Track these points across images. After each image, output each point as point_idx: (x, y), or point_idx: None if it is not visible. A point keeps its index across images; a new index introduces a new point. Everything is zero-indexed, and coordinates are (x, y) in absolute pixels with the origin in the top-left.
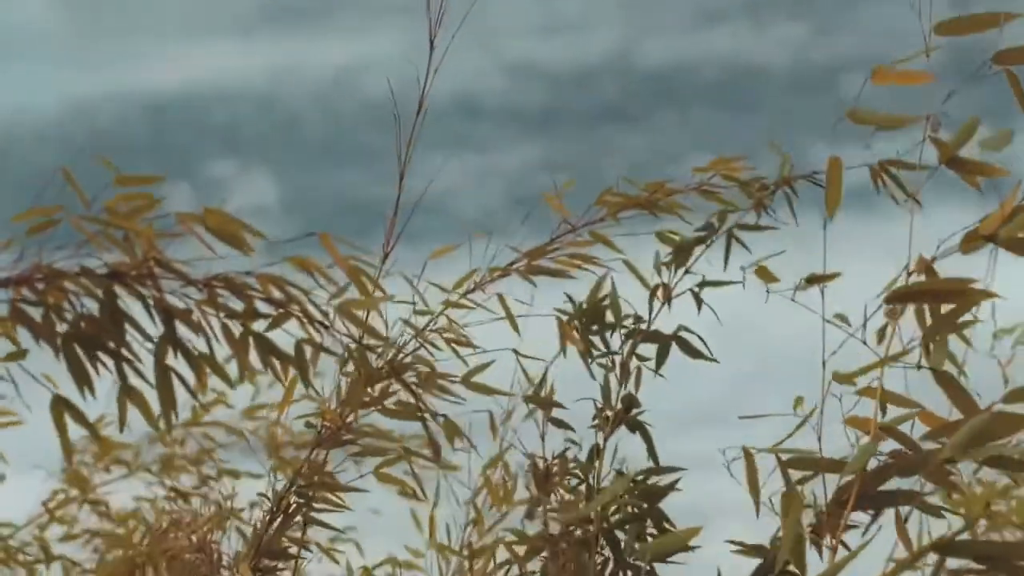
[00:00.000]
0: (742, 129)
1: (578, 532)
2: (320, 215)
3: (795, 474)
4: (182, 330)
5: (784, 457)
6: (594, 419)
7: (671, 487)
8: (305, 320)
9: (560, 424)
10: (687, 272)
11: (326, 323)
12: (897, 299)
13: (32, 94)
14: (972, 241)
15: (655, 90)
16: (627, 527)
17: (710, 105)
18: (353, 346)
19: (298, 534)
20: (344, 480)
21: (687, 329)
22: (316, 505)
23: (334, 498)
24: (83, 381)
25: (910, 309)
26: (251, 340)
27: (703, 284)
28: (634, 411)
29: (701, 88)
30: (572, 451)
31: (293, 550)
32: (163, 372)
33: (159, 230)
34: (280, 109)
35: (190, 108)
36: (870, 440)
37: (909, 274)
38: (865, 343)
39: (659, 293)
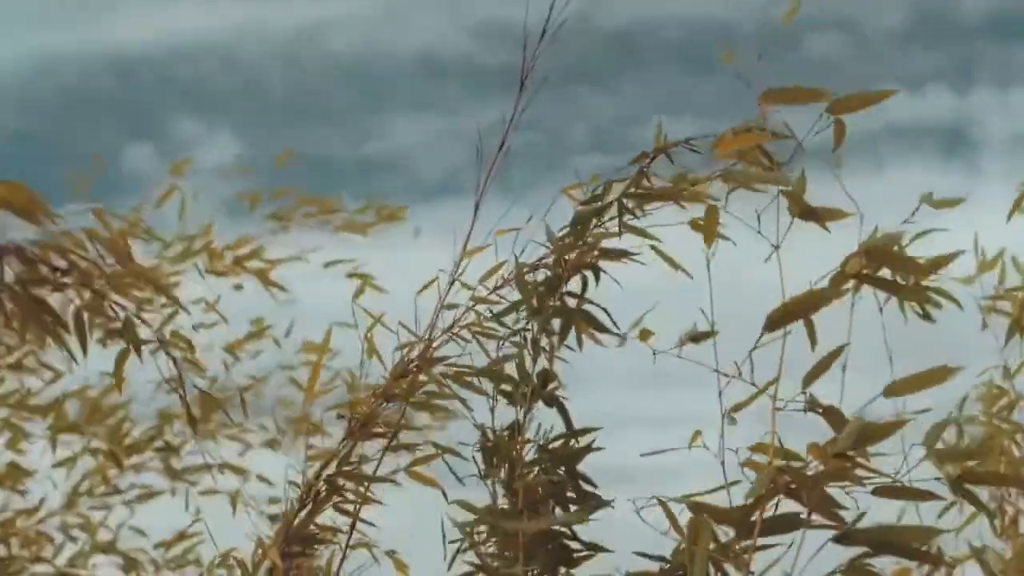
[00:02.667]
0: (707, 90)
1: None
2: (282, 172)
3: None
4: None
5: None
6: (509, 396)
7: (586, 449)
8: (84, 288)
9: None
10: (584, 243)
11: (103, 292)
12: (776, 323)
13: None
14: (840, 281)
15: (619, 51)
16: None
17: (675, 65)
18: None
19: (328, 521)
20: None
21: (591, 303)
22: (347, 495)
23: (364, 490)
24: None
25: None
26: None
27: (600, 256)
28: (550, 386)
29: (665, 48)
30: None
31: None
32: None
33: None
34: (244, 67)
35: (155, 66)
36: (763, 481)
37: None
38: (754, 384)
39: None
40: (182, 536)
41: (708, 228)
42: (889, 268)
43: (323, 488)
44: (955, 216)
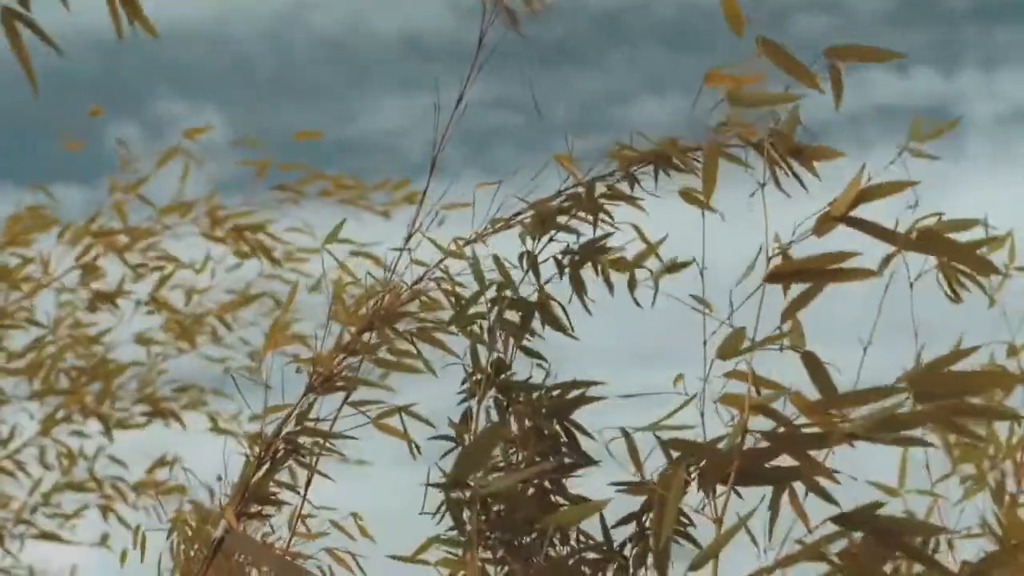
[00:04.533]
0: (693, 69)
1: None
2: (268, 152)
3: None
4: None
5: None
6: (463, 384)
7: (580, 400)
8: None
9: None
10: (551, 240)
11: None
12: (777, 279)
13: None
14: (825, 223)
15: (605, 29)
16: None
17: (661, 44)
18: None
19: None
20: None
21: (551, 298)
22: (304, 452)
23: (327, 445)
24: None
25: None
26: None
27: (566, 252)
28: (504, 375)
29: (652, 27)
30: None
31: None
32: None
33: None
34: (229, 47)
35: (140, 47)
36: (742, 419)
37: (769, 258)
38: (731, 326)
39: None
40: (162, 462)
41: (707, 175)
42: (938, 255)
43: (282, 446)
44: (937, 195)
